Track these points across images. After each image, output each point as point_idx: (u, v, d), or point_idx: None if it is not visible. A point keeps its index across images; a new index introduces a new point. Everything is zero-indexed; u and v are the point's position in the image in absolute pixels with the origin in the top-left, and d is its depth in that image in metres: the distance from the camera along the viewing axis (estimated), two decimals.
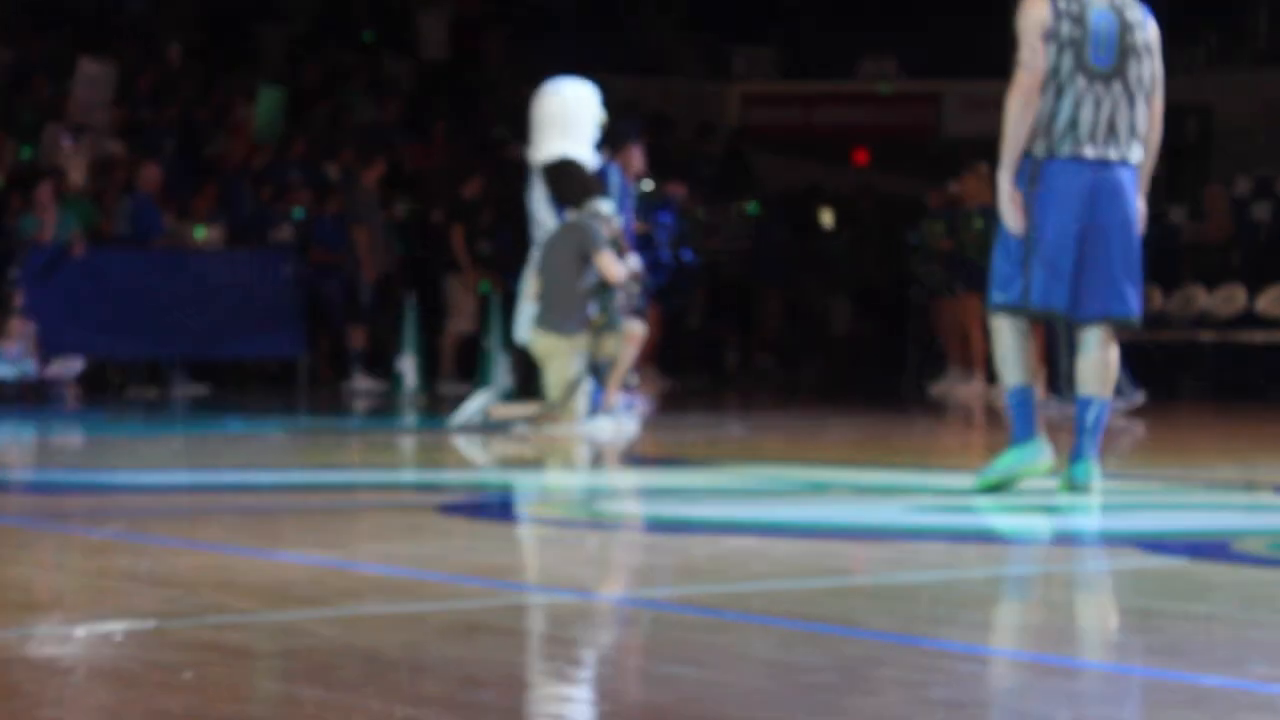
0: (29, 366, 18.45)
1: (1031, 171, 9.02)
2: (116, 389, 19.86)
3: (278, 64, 27.70)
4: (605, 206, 14.10)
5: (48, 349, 18.77)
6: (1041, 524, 8.52)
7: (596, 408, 13.74)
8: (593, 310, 13.68)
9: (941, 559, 7.32)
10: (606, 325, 13.75)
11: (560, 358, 13.57)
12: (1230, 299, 22.62)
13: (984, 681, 4.76)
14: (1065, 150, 8.97)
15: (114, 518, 8.16)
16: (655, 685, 4.68)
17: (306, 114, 25.55)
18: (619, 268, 13.76)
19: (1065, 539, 7.92)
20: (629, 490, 10.53)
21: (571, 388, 13.56)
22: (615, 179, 15.13)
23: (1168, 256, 24.29)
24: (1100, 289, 9.02)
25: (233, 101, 24.78)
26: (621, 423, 13.81)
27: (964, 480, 9.55)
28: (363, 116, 26.10)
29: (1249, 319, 22.34)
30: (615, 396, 13.87)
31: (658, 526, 8.45)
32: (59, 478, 10.98)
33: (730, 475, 11.10)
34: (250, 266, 20.98)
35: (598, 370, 13.84)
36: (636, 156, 15.66)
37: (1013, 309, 9.07)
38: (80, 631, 5.21)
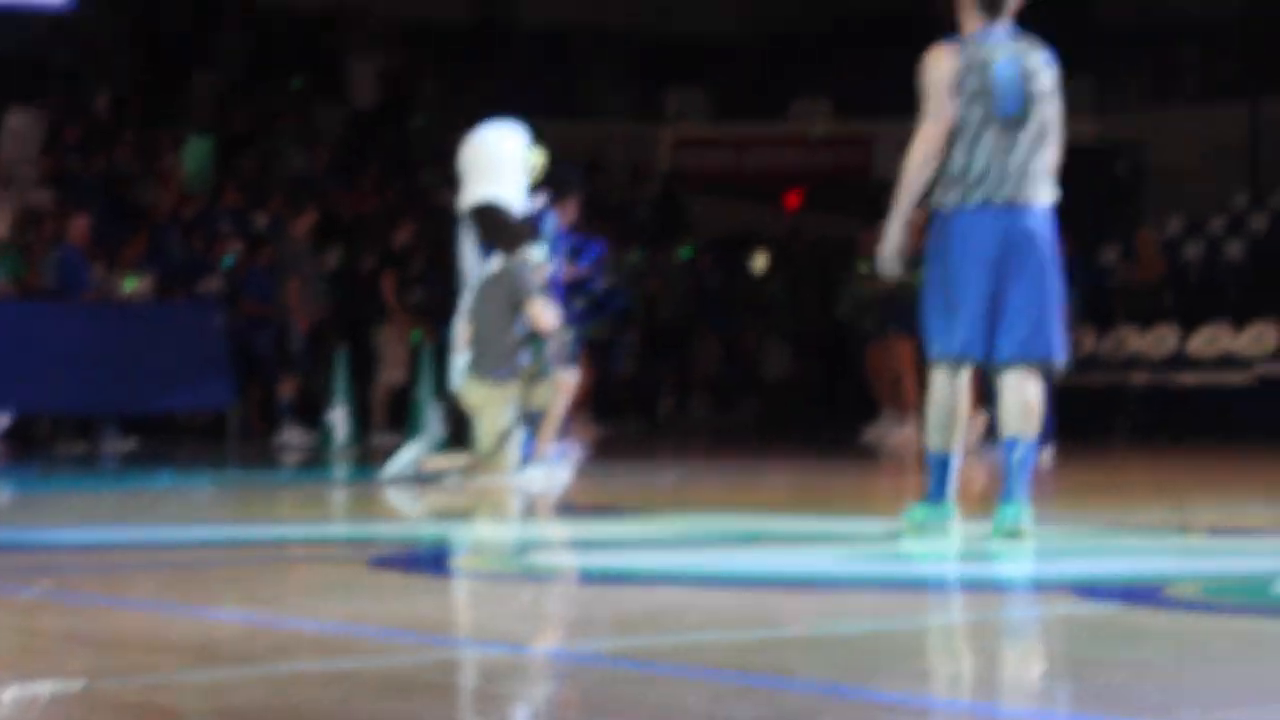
0: None
1: (942, 224, 9.16)
2: (45, 444, 19.79)
3: (207, 111, 27.68)
4: (536, 254, 14.12)
5: None
6: (975, 571, 8.55)
7: (529, 457, 13.74)
8: (524, 359, 13.69)
9: (875, 608, 7.35)
10: (538, 374, 13.76)
11: (492, 407, 13.57)
12: (1162, 340, 22.74)
13: None
14: (977, 198, 9.09)
15: (42, 576, 8.14)
16: None
17: (236, 161, 25.54)
18: (551, 316, 13.77)
19: (998, 586, 7.95)
20: (561, 542, 10.54)
21: (503, 438, 13.56)
22: (550, 226, 15.18)
23: (1100, 297, 24.43)
24: (1017, 331, 9.10)
25: (162, 150, 24.75)
26: (554, 472, 13.81)
27: (895, 527, 9.59)
28: (293, 164, 26.09)
29: (1181, 360, 22.46)
30: (548, 446, 13.88)
31: (591, 578, 8.46)
32: None
33: (664, 525, 11.11)
34: (180, 318, 20.94)
35: (530, 419, 13.85)
36: (573, 206, 15.75)
37: (942, 359, 9.20)
38: (6, 694, 5.21)
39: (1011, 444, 9.17)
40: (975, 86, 9.13)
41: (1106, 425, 22.21)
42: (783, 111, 34.55)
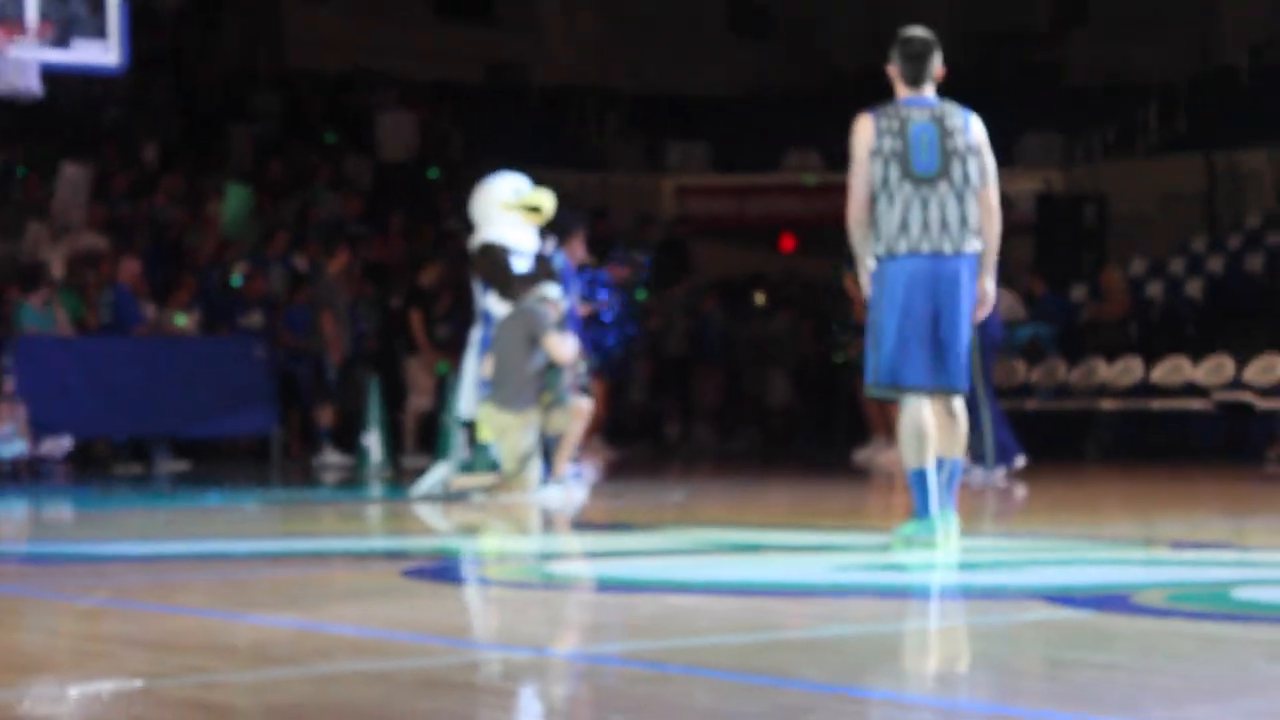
0: (21, 446, 18.40)
1: (879, 271, 9.42)
2: (103, 466, 19.79)
3: (246, 162, 27.71)
4: (552, 291, 14.15)
5: (38, 429, 18.72)
6: (956, 580, 8.56)
7: (547, 477, 13.76)
8: (541, 388, 13.72)
9: (866, 614, 7.36)
10: (555, 402, 13.79)
11: (513, 432, 13.59)
12: (1128, 370, 22.73)
13: None
14: (902, 248, 9.34)
15: (103, 586, 8.15)
16: None
17: (273, 209, 25.56)
18: (566, 349, 13.80)
19: (978, 594, 7.95)
20: (578, 553, 10.54)
21: (524, 459, 13.58)
22: (560, 264, 15.23)
23: (1070, 332, 24.44)
24: (943, 364, 9.38)
25: (204, 198, 24.77)
26: (570, 490, 13.83)
27: (884, 540, 9.62)
28: (326, 211, 26.11)
29: (1145, 388, 22.46)
30: (564, 467, 13.89)
31: (605, 587, 8.46)
32: (51, 549, 10.94)
33: (672, 538, 11.11)
34: (226, 350, 20.95)
35: (547, 443, 13.87)
36: (579, 245, 15.85)
37: (874, 389, 9.52)
38: (72, 692, 5.22)
39: (940, 463, 9.49)
40: (891, 148, 9.39)
41: (1078, 447, 22.20)
42: (776, 163, 34.58)
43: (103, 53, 18.08)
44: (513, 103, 35.29)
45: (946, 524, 9.40)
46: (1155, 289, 26.13)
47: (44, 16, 17.56)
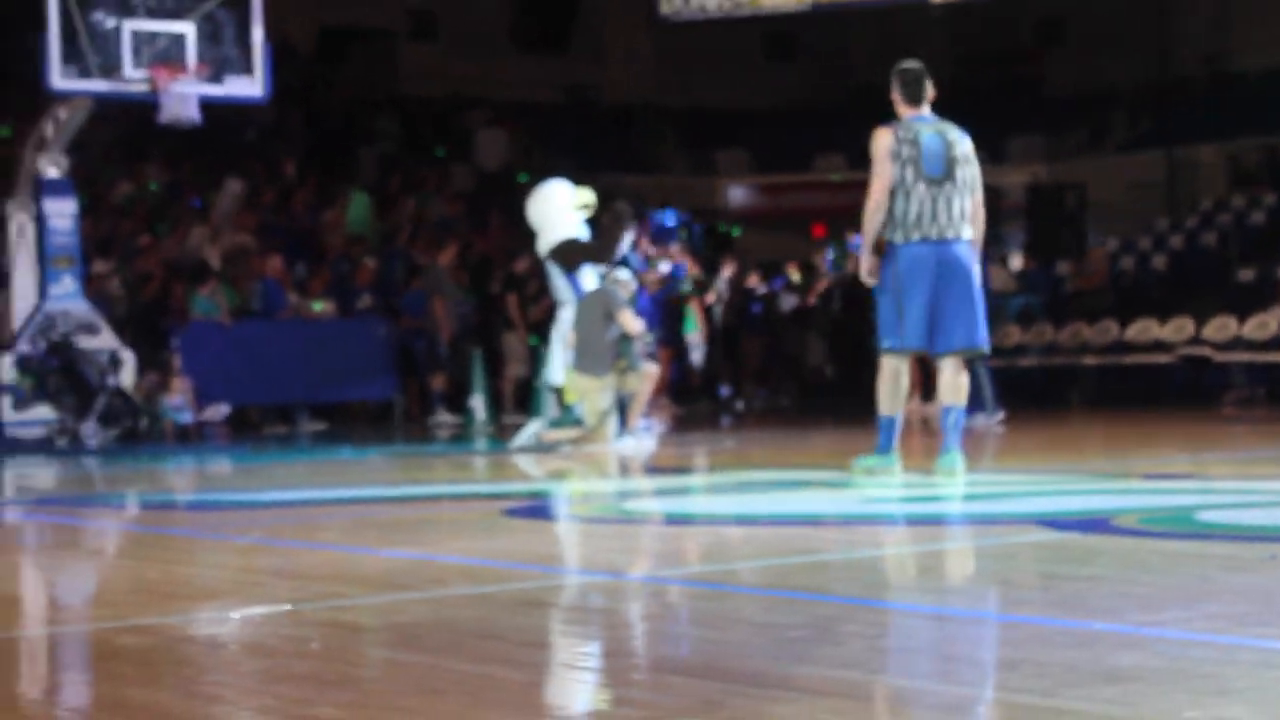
0: (188, 413, 18.50)
1: (892, 253, 9.70)
2: (255, 428, 19.89)
3: (370, 174, 27.77)
4: (623, 274, 14.14)
5: (202, 399, 18.82)
6: (964, 509, 8.53)
7: (622, 430, 13.75)
8: (616, 356, 13.71)
9: (889, 539, 7.34)
10: (628, 367, 13.77)
11: (593, 393, 13.59)
12: (1105, 331, 22.61)
13: (922, 632, 4.77)
14: (916, 236, 9.67)
15: (256, 527, 8.18)
16: (669, 643, 4.70)
17: (391, 213, 25.61)
18: (636, 323, 13.78)
19: (981, 520, 7.92)
20: (649, 493, 10.53)
21: (604, 416, 13.58)
22: (627, 251, 15.23)
23: (1056, 300, 24.33)
24: (951, 330, 9.67)
25: (334, 204, 24.85)
26: (642, 441, 13.82)
27: (906, 479, 9.61)
28: (436, 212, 26.15)
29: (1121, 346, 22.34)
30: (636, 421, 13.88)
31: (671, 520, 8.46)
32: (213, 497, 11.00)
33: (726, 479, 11.10)
34: (355, 330, 21.02)
35: (622, 402, 13.86)
36: (642, 237, 15.87)
37: (895, 351, 9.76)
38: (231, 615, 5.24)
39: (948, 410, 9.76)
40: (908, 154, 9.68)
41: (1065, 397, 22.10)
42: (807, 164, 34.51)
43: (249, 86, 18.15)
44: (585, 119, 35.29)
45: (953, 462, 9.55)
46: (1127, 262, 26.02)
47: (201, 58, 17.64)
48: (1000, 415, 16.48)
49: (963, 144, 9.82)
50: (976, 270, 9.79)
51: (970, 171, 9.80)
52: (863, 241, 9.94)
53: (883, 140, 9.73)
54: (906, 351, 9.76)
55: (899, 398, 9.80)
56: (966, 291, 9.67)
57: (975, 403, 16.35)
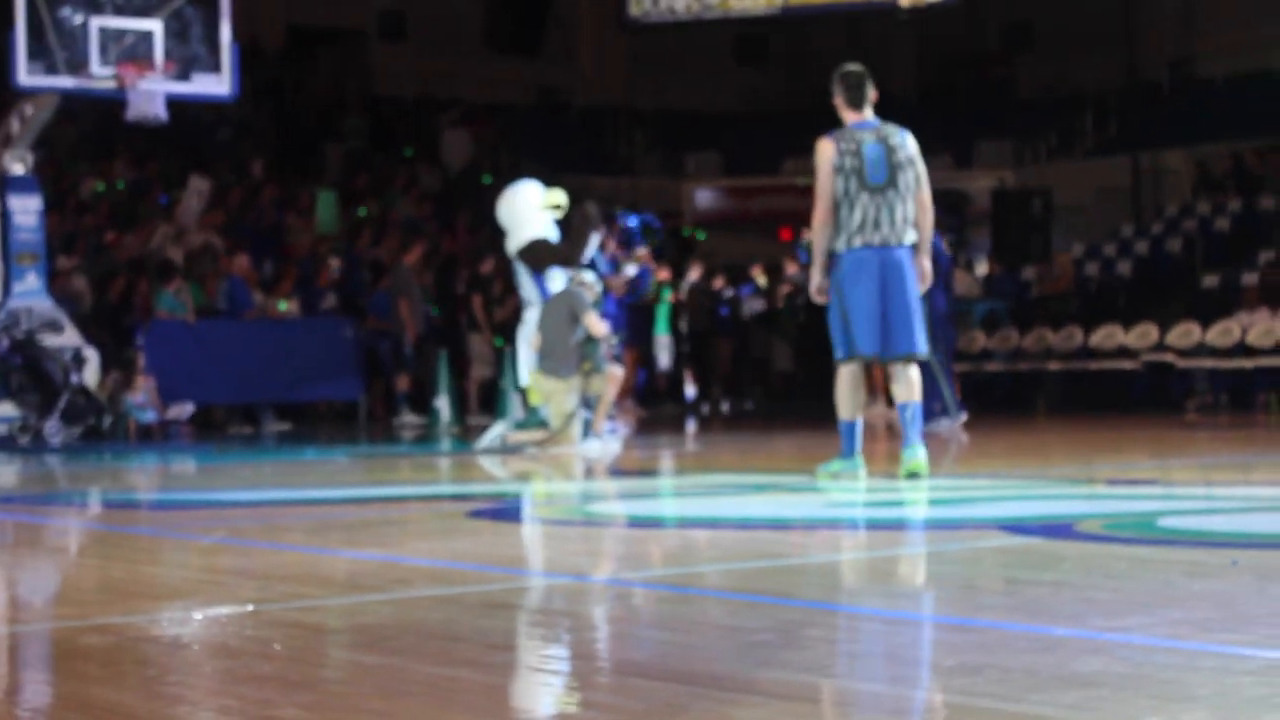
0: (152, 412, 18.44)
1: (838, 262, 9.82)
2: (219, 427, 19.85)
3: (337, 174, 27.73)
4: (588, 276, 14.14)
5: (166, 397, 18.77)
6: (926, 514, 8.54)
7: (587, 433, 13.75)
8: (582, 358, 13.71)
9: (853, 543, 7.35)
10: (593, 369, 13.78)
11: (559, 395, 13.60)
12: (1070, 337, 22.68)
13: (885, 637, 4.78)
14: (858, 243, 9.77)
15: (220, 526, 8.16)
16: (634, 646, 4.70)
17: (357, 212, 25.58)
18: (602, 325, 13.79)
19: (944, 525, 7.93)
20: (614, 495, 10.54)
21: (569, 418, 13.58)
22: (594, 254, 15.26)
23: (1022, 305, 24.40)
24: (895, 336, 9.81)
25: (300, 203, 24.80)
26: (607, 443, 13.83)
27: (871, 483, 9.62)
28: (403, 212, 26.12)
29: (1085, 352, 22.41)
30: (602, 424, 13.89)
31: (636, 523, 8.45)
32: (177, 496, 10.97)
33: (691, 482, 11.10)
34: (320, 330, 20.99)
35: (588, 403, 13.86)
36: (609, 239, 15.92)
37: (847, 360, 9.88)
38: (195, 615, 5.22)
39: (904, 407, 9.91)
40: (851, 165, 9.78)
41: (1030, 402, 22.18)
42: (776, 168, 34.54)
43: (217, 84, 18.12)
44: (556, 120, 35.29)
45: (915, 454, 9.73)
46: (1092, 268, 26.10)
47: (168, 55, 17.60)
48: (963, 418, 16.54)
49: (905, 148, 9.88)
50: (926, 268, 9.96)
51: (912, 173, 9.87)
52: (814, 258, 10.00)
53: (825, 153, 9.84)
54: (857, 358, 9.87)
55: (857, 403, 9.94)
56: (907, 298, 9.82)
57: (936, 407, 16.42)
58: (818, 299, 9.99)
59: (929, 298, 16.28)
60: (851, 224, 9.74)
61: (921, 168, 9.95)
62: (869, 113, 9.94)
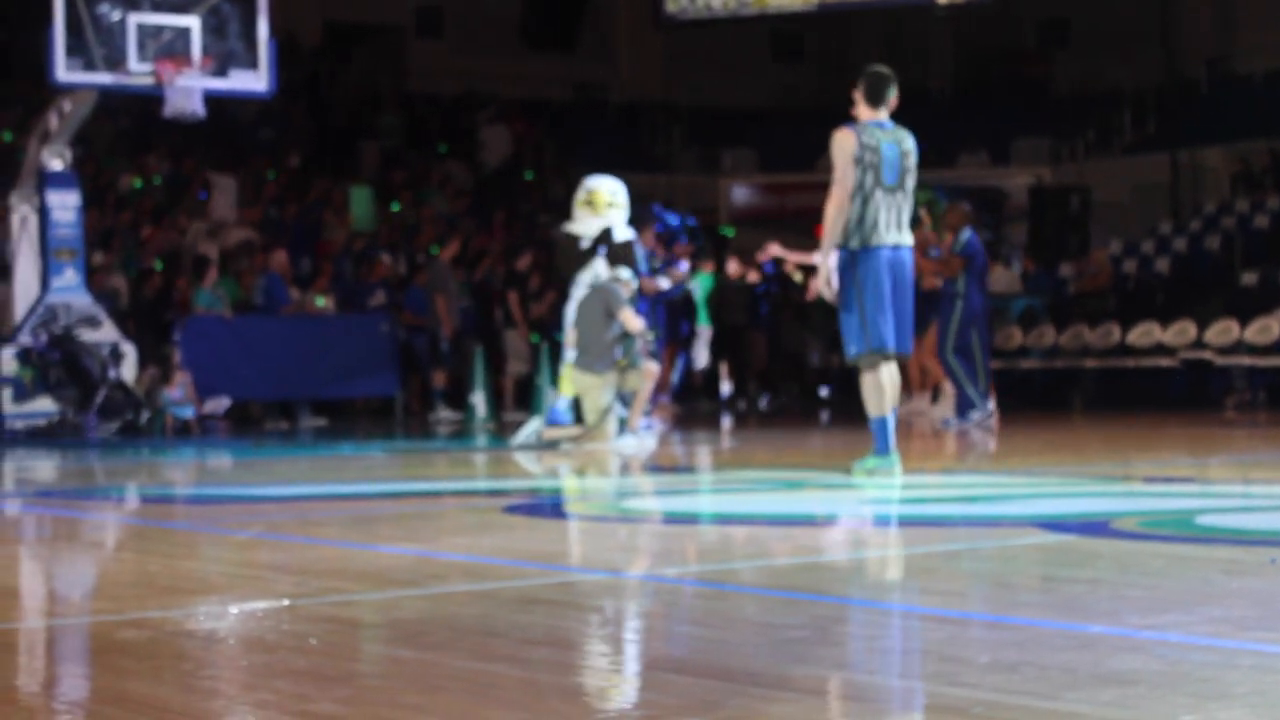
0: (189, 407, 18.51)
1: (852, 259, 9.84)
2: (256, 423, 19.90)
3: (373, 170, 27.77)
4: (625, 273, 14.13)
5: (203, 392, 18.83)
6: (964, 511, 8.53)
7: (624, 428, 13.75)
8: (618, 354, 13.71)
9: (888, 540, 7.34)
10: (629, 365, 13.77)
11: (595, 391, 13.59)
12: (1108, 334, 22.60)
13: (920, 633, 4.77)
14: (874, 241, 9.84)
15: (256, 521, 8.19)
16: (671, 642, 4.70)
17: (395, 208, 25.62)
18: (637, 321, 13.78)
19: (982, 522, 7.91)
20: (649, 491, 10.54)
21: (604, 413, 13.58)
22: (638, 250, 15.25)
23: (1060, 303, 24.33)
24: (905, 333, 9.96)
25: (337, 199, 24.85)
26: (643, 440, 13.82)
27: (907, 480, 9.60)
28: (439, 208, 26.15)
29: (1122, 349, 22.34)
30: (638, 419, 13.88)
31: (672, 519, 8.46)
32: (214, 491, 11.01)
33: (727, 478, 11.10)
34: (357, 326, 21.03)
35: (624, 399, 13.86)
36: (649, 234, 15.93)
37: (865, 355, 9.91)
38: (231, 609, 5.24)
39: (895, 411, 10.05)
40: (870, 160, 9.84)
41: (1066, 399, 22.11)
42: (812, 165, 34.45)
43: (254, 81, 18.16)
44: (593, 117, 35.28)
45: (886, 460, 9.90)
46: (1130, 265, 26.01)
47: (206, 51, 17.64)
48: (991, 410, 16.49)
49: (914, 154, 10.03)
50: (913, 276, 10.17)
51: (913, 179, 10.04)
52: (825, 248, 9.95)
53: (847, 143, 9.87)
54: (878, 354, 9.88)
55: (885, 399, 9.92)
56: (909, 298, 10.00)
57: (965, 403, 16.40)
58: (826, 293, 9.97)
59: (966, 296, 16.30)
60: (867, 222, 9.80)
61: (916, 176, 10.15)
62: (885, 114, 10.02)
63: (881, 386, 9.89)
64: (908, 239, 9.97)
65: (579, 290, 13.97)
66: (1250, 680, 3.82)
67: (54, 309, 17.94)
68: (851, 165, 9.80)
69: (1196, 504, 8.44)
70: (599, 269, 13.97)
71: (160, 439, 17.09)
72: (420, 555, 6.57)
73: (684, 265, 20.30)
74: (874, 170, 9.80)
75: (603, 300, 13.71)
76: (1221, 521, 7.47)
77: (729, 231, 32.51)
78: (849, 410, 17.54)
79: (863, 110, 10.03)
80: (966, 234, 16.60)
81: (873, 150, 9.83)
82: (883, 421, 9.88)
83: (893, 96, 10.02)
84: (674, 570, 6.18)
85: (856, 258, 9.82)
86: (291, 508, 9.25)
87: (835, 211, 9.81)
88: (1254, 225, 26.18)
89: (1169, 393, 21.74)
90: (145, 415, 17.87)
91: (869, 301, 9.80)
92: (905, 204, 9.93)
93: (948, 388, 17.51)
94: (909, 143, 9.99)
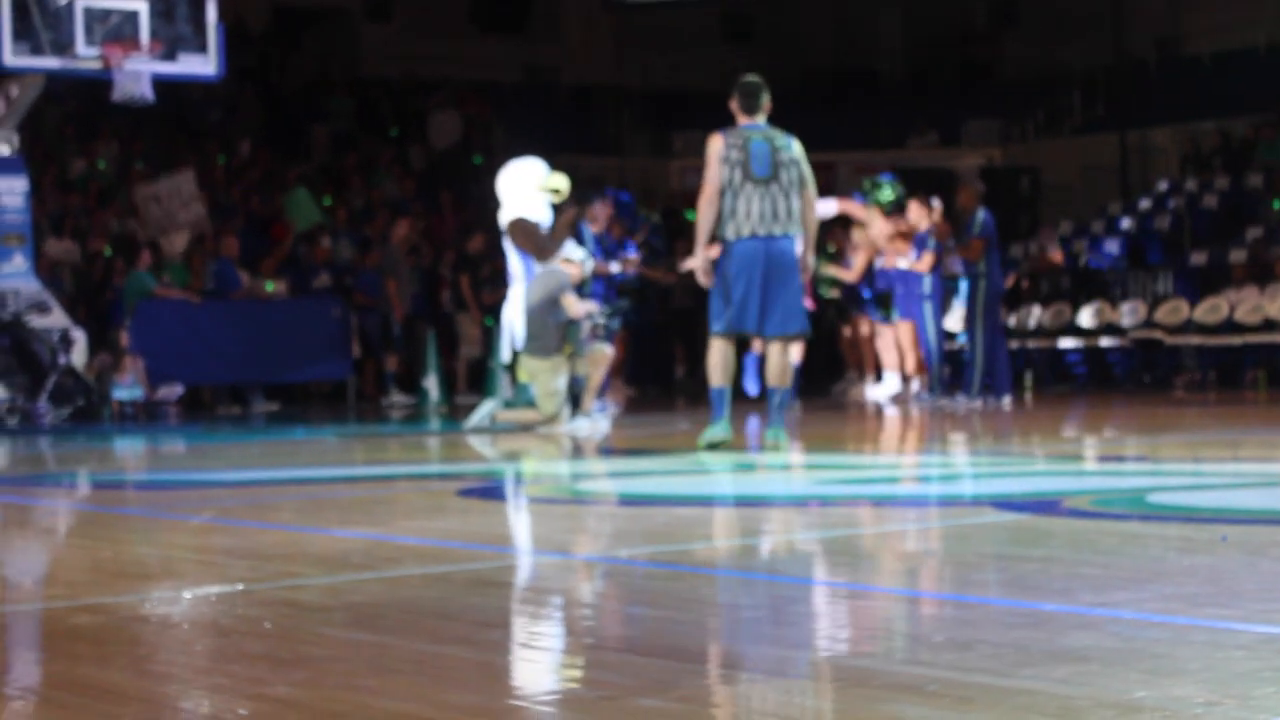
0: (140, 392, 18.42)
1: (725, 248, 10.76)
2: (208, 408, 19.83)
3: (324, 153, 27.68)
4: (575, 251, 14.12)
5: (154, 378, 18.75)
6: (916, 491, 8.55)
7: (576, 412, 13.74)
8: (565, 339, 13.69)
9: (843, 520, 7.35)
10: (574, 353, 13.75)
11: (544, 375, 13.58)
12: (1059, 314, 22.70)
13: (876, 612, 4.78)
14: (745, 232, 10.69)
15: (209, 507, 8.16)
16: (626, 624, 4.70)
17: (345, 191, 25.52)
18: (578, 306, 13.74)
19: (935, 501, 7.94)
20: (602, 474, 10.55)
21: (555, 397, 13.57)
22: (585, 231, 15.23)
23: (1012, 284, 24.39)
24: (776, 316, 10.74)
25: (288, 184, 24.74)
26: (596, 423, 13.82)
27: (858, 460, 9.62)
28: (390, 191, 26.08)
29: (1074, 329, 22.43)
30: (590, 403, 13.88)
31: (625, 501, 8.46)
32: (166, 477, 10.97)
33: (680, 461, 11.11)
34: (308, 310, 20.97)
35: (578, 383, 13.85)
36: (600, 211, 15.90)
37: (724, 333, 10.82)
38: (185, 594, 5.22)
39: (773, 391, 10.92)
40: (737, 158, 10.72)
41: (1017, 379, 22.19)
42: None
43: (203, 65, 18.07)
44: (543, 100, 35.20)
45: (777, 437, 10.65)
46: (1080, 246, 26.11)
47: (154, 35, 17.55)
48: (978, 402, 16.52)
49: (789, 149, 10.79)
50: (808, 261, 10.90)
51: (796, 172, 10.77)
52: (698, 240, 10.90)
53: (714, 145, 10.75)
54: (731, 333, 10.79)
55: (727, 372, 10.84)
56: (789, 282, 10.72)
57: (987, 384, 16.51)
58: (703, 281, 10.81)
59: (989, 275, 16.52)
60: (736, 213, 10.65)
61: (807, 170, 10.84)
62: (760, 118, 10.88)
63: (723, 360, 10.78)
64: (789, 228, 10.69)
65: (531, 276, 13.95)
66: (1202, 656, 3.84)
67: (3, 295, 17.83)
68: (718, 164, 10.66)
69: (1148, 482, 8.48)
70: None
71: (111, 425, 17.01)
72: (374, 539, 6.56)
73: (633, 249, 20.27)
74: (742, 166, 10.66)
75: (548, 284, 13.69)
76: (1173, 500, 7.51)
77: (692, 216, 32.50)
78: (802, 393, 17.57)
79: (739, 118, 10.89)
80: (981, 214, 16.62)
81: (739, 148, 10.69)
82: (720, 391, 10.79)
83: (765, 102, 10.90)
84: (628, 551, 6.18)
85: (731, 248, 10.70)
86: (244, 493, 9.22)
87: (704, 206, 10.74)
88: (1203, 205, 26.31)
89: (1119, 372, 21.84)
90: (96, 401, 17.78)
91: (730, 285, 10.68)
92: (782, 196, 10.67)
93: (890, 372, 17.67)
94: (781, 140, 10.78)
